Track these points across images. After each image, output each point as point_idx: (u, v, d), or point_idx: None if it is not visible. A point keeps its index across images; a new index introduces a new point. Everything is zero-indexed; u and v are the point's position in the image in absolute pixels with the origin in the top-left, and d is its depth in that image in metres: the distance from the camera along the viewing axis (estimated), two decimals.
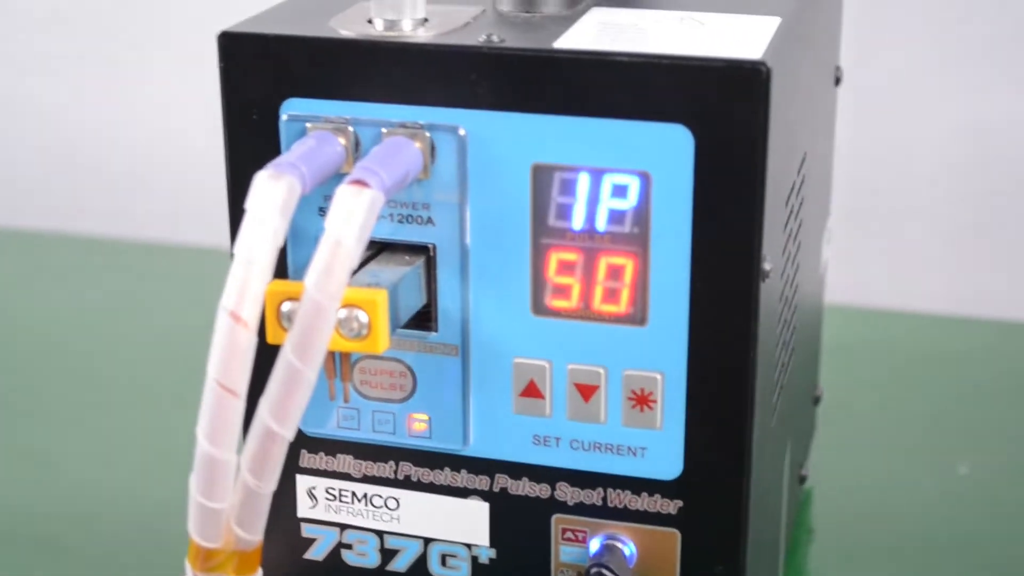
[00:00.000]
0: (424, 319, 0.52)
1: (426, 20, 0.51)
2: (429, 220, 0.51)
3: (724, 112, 0.47)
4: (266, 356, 0.46)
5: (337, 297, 0.45)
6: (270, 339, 0.46)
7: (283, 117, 0.50)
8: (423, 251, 0.51)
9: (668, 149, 0.48)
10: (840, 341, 0.88)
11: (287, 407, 0.45)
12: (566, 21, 0.52)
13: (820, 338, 0.78)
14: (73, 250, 1.15)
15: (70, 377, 0.90)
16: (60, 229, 1.21)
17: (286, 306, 0.46)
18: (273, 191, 0.46)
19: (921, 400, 0.87)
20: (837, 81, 0.71)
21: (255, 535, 0.47)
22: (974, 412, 0.86)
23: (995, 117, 1.06)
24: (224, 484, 0.46)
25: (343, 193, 0.46)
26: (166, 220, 1.19)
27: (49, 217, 1.22)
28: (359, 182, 0.46)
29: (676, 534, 0.52)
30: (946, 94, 1.06)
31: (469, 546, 0.54)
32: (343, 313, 0.46)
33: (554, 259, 0.50)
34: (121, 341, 0.96)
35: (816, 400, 0.78)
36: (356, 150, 0.50)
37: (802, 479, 0.73)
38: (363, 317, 0.46)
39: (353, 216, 0.45)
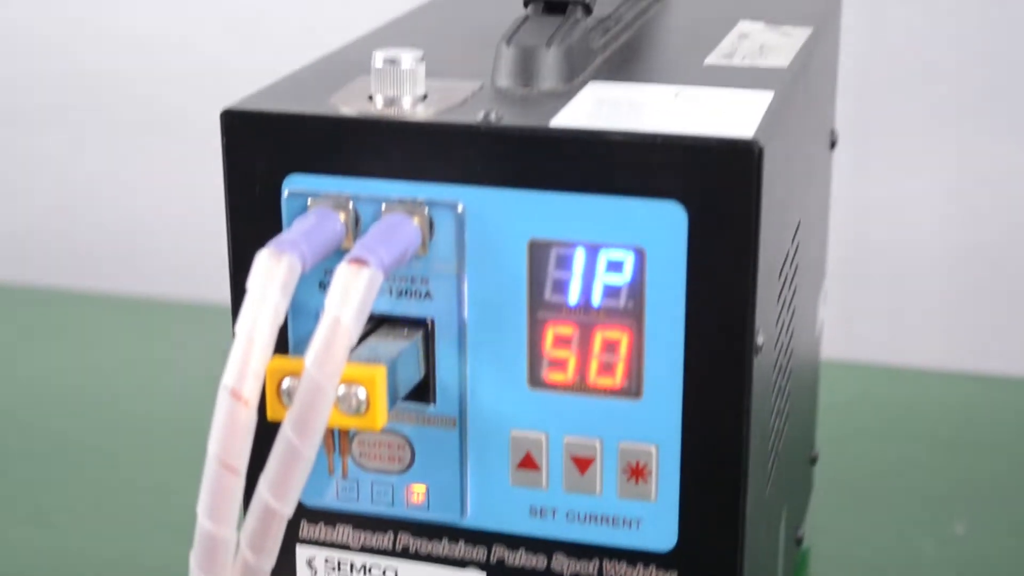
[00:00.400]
0: (422, 391, 0.52)
1: (426, 96, 0.52)
2: (427, 294, 0.51)
3: (717, 190, 0.48)
4: (267, 431, 0.47)
5: (336, 376, 0.46)
6: (270, 416, 0.47)
7: (285, 193, 0.51)
8: (421, 324, 0.52)
9: (662, 225, 0.49)
10: (837, 397, 0.88)
11: (286, 485, 0.46)
12: (563, 97, 0.52)
13: (816, 399, 0.78)
14: (74, 307, 1.15)
15: (70, 439, 0.91)
16: (61, 285, 1.21)
17: (286, 383, 0.47)
18: (274, 270, 0.46)
19: (918, 457, 0.88)
20: (832, 144, 0.72)
21: None
22: (972, 470, 0.86)
23: (991, 173, 1.07)
24: (224, 561, 0.46)
25: (342, 272, 0.46)
26: (171, 276, 1.20)
27: (52, 273, 1.23)
28: (358, 260, 0.46)
29: None
30: (941, 150, 1.07)
31: None
32: (342, 390, 0.47)
33: (550, 333, 0.51)
34: (124, 400, 0.96)
35: (812, 460, 0.78)
36: (356, 225, 0.50)
37: (798, 541, 0.73)
38: (362, 394, 0.47)
39: (352, 295, 0.46)
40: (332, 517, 0.55)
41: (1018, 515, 0.81)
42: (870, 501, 0.82)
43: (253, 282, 0.46)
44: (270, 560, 0.46)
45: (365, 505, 0.54)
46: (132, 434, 0.90)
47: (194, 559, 0.46)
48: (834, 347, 0.94)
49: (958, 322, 1.10)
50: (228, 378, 0.45)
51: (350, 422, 0.47)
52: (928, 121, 1.07)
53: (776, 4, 0.70)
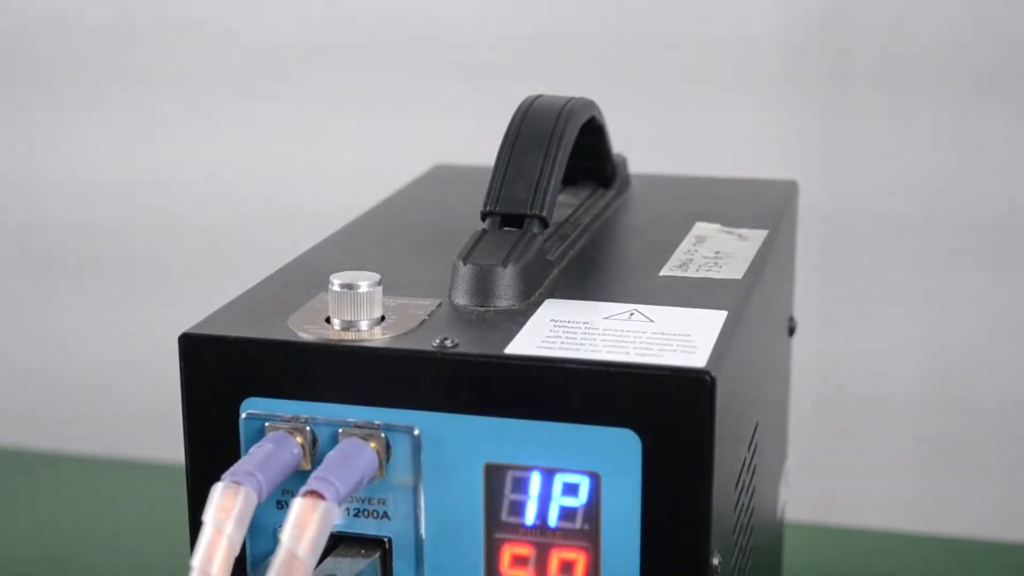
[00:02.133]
0: None
1: (383, 318, 0.52)
2: (384, 514, 0.52)
3: (670, 418, 0.49)
4: None
5: None
6: None
7: (242, 415, 0.52)
8: (379, 544, 0.52)
9: (617, 452, 0.49)
10: (803, 560, 0.88)
11: None
12: (519, 317, 0.53)
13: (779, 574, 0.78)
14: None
15: None
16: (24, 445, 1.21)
17: None
18: (230, 503, 0.47)
19: None
20: (791, 331, 0.73)
21: None
22: None
23: (952, 338, 1.08)
24: None
25: (298, 506, 0.47)
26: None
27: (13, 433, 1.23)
28: (314, 493, 0.47)
29: None
30: (904, 318, 1.08)
31: None
32: None
33: (507, 553, 0.51)
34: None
35: None
36: (313, 447, 0.51)
37: None
38: None
39: (307, 529, 0.46)
40: None
41: None
42: None
43: (209, 516, 0.46)
44: None
45: None
46: None
47: None
48: (798, 508, 0.94)
49: (925, 483, 1.10)
50: None
51: None
52: (895, 271, 1.08)
53: (734, 197, 0.71)
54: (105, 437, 1.21)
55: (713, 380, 0.48)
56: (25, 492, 1.08)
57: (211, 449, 0.52)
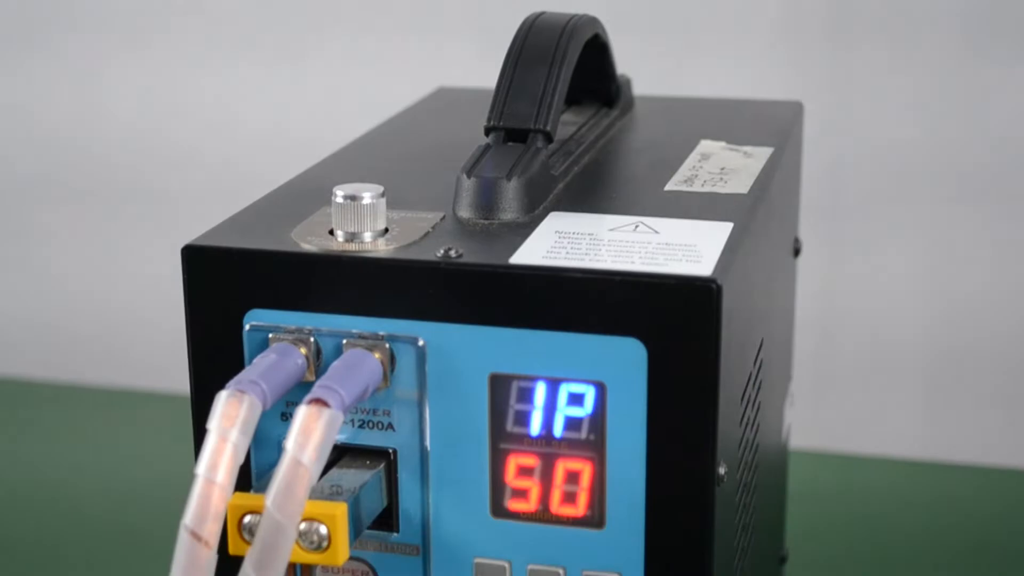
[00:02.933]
0: (385, 519, 0.52)
1: (387, 230, 0.52)
2: (389, 426, 0.51)
3: (676, 326, 0.49)
4: (229, 563, 0.47)
5: (296, 515, 0.46)
6: (232, 551, 0.47)
7: (246, 327, 0.52)
8: (384, 455, 0.52)
9: (622, 361, 0.49)
10: (806, 487, 0.88)
11: None
12: (524, 229, 0.53)
13: (784, 502, 0.78)
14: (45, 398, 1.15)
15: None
16: (32, 376, 1.21)
17: (247, 519, 0.47)
18: (234, 411, 0.47)
19: (886, 548, 0.88)
20: (796, 252, 0.73)
21: None
22: (946, 559, 0.86)
23: (957, 269, 1.07)
24: None
25: (303, 413, 0.46)
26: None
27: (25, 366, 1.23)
28: (319, 401, 0.47)
29: None
30: (913, 233, 1.07)
31: None
32: (303, 526, 0.47)
33: (513, 463, 0.51)
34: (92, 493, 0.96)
35: (782, 560, 0.79)
36: (318, 359, 0.51)
37: None
38: (323, 530, 0.47)
39: (312, 436, 0.46)
40: None
41: None
42: None
43: (213, 423, 0.46)
44: None
45: None
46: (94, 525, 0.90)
47: None
48: (806, 437, 0.94)
49: (931, 411, 1.10)
50: (188, 519, 0.46)
51: (312, 558, 0.47)
52: (900, 201, 1.07)
53: (739, 117, 0.71)
54: (109, 368, 1.21)
55: (719, 288, 0.48)
56: (27, 423, 1.08)
57: (215, 361, 0.52)
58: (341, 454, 0.52)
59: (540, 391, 0.50)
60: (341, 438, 0.52)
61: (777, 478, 0.73)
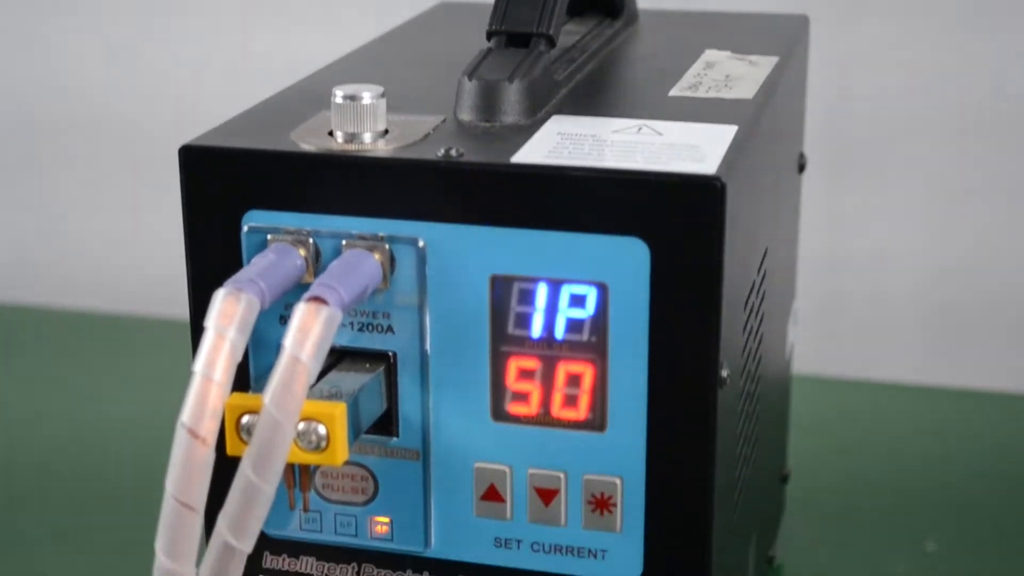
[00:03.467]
0: (385, 424, 0.52)
1: (386, 132, 0.52)
2: (389, 328, 0.51)
3: (679, 226, 0.48)
4: (226, 464, 0.46)
5: (295, 414, 0.45)
6: (229, 451, 0.47)
7: (244, 228, 0.51)
8: (383, 358, 0.51)
9: (624, 261, 0.49)
10: (810, 412, 0.88)
11: (245, 522, 0.46)
12: (526, 131, 0.52)
13: (787, 419, 0.78)
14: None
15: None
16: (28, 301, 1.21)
17: (245, 419, 0.47)
18: (232, 309, 0.46)
19: (891, 473, 0.88)
20: (801, 168, 0.72)
21: None
22: (945, 486, 0.86)
23: (965, 186, 1.07)
24: None
25: (301, 311, 0.46)
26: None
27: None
28: (317, 299, 0.46)
29: None
30: (915, 163, 1.07)
31: None
32: (302, 426, 0.47)
33: (513, 366, 0.51)
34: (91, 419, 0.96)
35: (784, 479, 0.78)
36: (316, 261, 0.50)
37: (770, 560, 0.73)
38: (322, 430, 0.47)
39: (311, 334, 0.46)
40: (295, 548, 0.55)
41: (991, 532, 0.81)
42: (842, 518, 0.82)
43: (211, 321, 0.46)
44: None
45: (329, 536, 0.54)
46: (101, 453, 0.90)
47: None
48: (807, 362, 0.94)
49: (932, 336, 1.10)
50: (186, 417, 0.45)
51: (311, 458, 0.47)
52: (902, 134, 1.07)
53: (744, 30, 0.70)
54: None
55: (723, 186, 0.48)
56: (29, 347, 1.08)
57: (212, 262, 0.52)
58: (340, 358, 0.52)
59: (541, 292, 0.50)
60: (340, 342, 0.51)
61: (780, 393, 0.73)
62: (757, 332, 0.59)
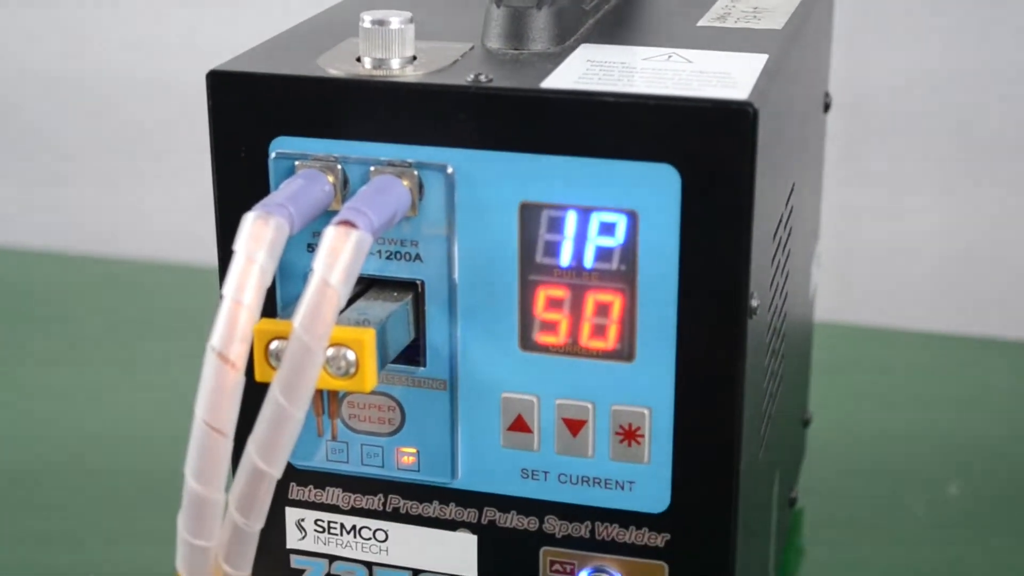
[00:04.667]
0: (412, 354, 0.52)
1: (415, 58, 0.51)
2: (417, 256, 0.51)
3: (711, 152, 0.48)
4: (255, 392, 0.46)
5: (324, 338, 0.45)
6: (258, 377, 0.47)
7: (272, 155, 0.51)
8: (411, 287, 0.51)
9: (655, 188, 0.48)
10: (831, 359, 0.88)
11: (275, 447, 0.46)
12: (554, 59, 0.52)
13: (809, 362, 0.78)
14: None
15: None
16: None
17: (274, 345, 0.47)
18: (261, 232, 0.46)
19: (913, 419, 0.88)
20: (826, 107, 0.72)
21: (243, 572, 0.47)
22: (966, 432, 0.86)
23: (990, 134, 1.06)
24: (212, 523, 0.46)
25: (330, 234, 0.46)
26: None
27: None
28: (347, 223, 0.46)
29: (664, 567, 0.53)
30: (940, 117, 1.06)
31: None
32: (331, 352, 0.46)
33: (542, 296, 0.51)
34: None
35: (806, 423, 0.78)
36: (344, 188, 0.50)
37: (792, 502, 0.73)
38: (351, 356, 0.46)
39: (340, 257, 0.45)
40: (322, 479, 0.55)
41: (1010, 476, 0.81)
42: (863, 463, 0.82)
43: (240, 244, 0.46)
44: (259, 522, 0.46)
45: (355, 467, 0.54)
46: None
47: (182, 521, 0.46)
48: (829, 309, 0.93)
49: (954, 285, 1.10)
50: (215, 341, 0.45)
51: (339, 384, 0.47)
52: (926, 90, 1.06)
53: None
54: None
55: (755, 112, 0.47)
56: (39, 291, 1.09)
57: (240, 189, 0.51)
58: (368, 288, 0.51)
59: (571, 220, 0.50)
60: (368, 270, 0.51)
61: (804, 334, 0.73)
62: (784, 268, 0.59)
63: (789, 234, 0.59)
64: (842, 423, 0.86)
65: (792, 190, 0.59)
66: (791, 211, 0.59)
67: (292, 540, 0.56)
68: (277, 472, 0.46)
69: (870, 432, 0.86)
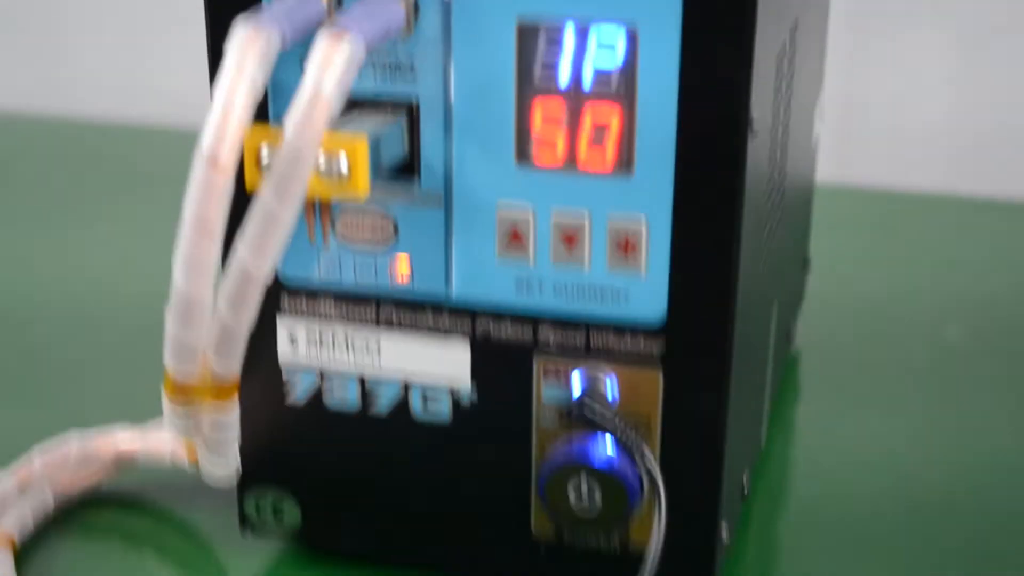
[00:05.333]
0: (407, 169, 0.52)
1: None
2: (412, 75, 0.50)
3: None
4: (243, 207, 0.46)
5: (316, 141, 0.45)
6: (249, 184, 0.47)
7: None
8: (406, 105, 0.51)
9: (656, 1, 0.48)
10: (831, 220, 0.88)
11: (264, 246, 0.46)
12: None
13: (810, 211, 0.78)
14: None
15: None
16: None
17: (265, 151, 0.46)
18: (253, 43, 0.45)
19: (912, 276, 0.88)
20: None
21: (232, 367, 0.48)
22: (966, 287, 0.87)
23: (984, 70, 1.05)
24: (200, 319, 0.46)
25: (323, 42, 0.45)
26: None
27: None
28: (339, 32, 0.46)
29: (658, 375, 0.53)
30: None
31: (451, 388, 0.55)
32: (323, 160, 0.46)
33: (539, 112, 0.50)
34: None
35: (805, 263, 0.78)
36: (338, 6, 0.49)
37: (789, 338, 0.74)
38: (343, 161, 0.46)
39: (332, 64, 0.45)
40: (315, 292, 0.55)
41: (1008, 327, 0.81)
42: (862, 313, 0.83)
43: (231, 55, 0.45)
44: (247, 319, 0.46)
45: (348, 281, 0.54)
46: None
47: (170, 317, 0.46)
48: (829, 171, 0.93)
49: (955, 145, 1.09)
50: (204, 145, 0.45)
51: (332, 190, 0.47)
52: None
53: None
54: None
55: None
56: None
57: (232, 6, 0.50)
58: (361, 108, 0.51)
59: (569, 36, 0.49)
60: (363, 91, 0.51)
61: (805, 178, 0.72)
62: (788, 103, 0.58)
63: (792, 73, 0.59)
64: (843, 279, 0.86)
65: (795, 26, 0.59)
66: (794, 49, 0.59)
67: (284, 353, 0.56)
68: (265, 271, 0.46)
69: (870, 286, 0.86)
